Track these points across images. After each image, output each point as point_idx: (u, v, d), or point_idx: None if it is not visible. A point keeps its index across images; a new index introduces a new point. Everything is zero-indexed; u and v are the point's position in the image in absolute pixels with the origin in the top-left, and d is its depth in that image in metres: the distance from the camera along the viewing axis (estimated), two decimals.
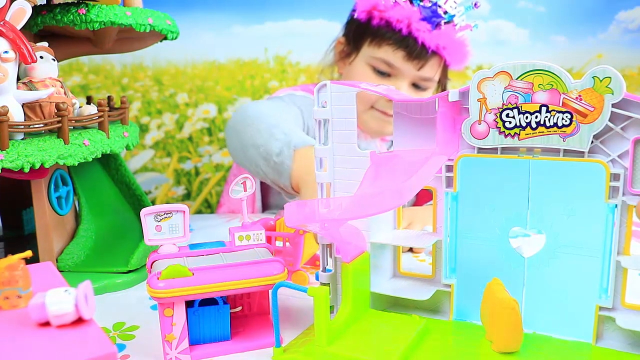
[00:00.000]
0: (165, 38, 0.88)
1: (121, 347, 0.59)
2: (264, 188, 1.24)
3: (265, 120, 0.99)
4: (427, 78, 1.08)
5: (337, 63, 1.19)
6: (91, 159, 0.73)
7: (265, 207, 1.27)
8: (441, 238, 0.61)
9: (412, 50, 1.04)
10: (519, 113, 0.54)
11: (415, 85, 1.10)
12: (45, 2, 0.81)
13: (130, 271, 0.77)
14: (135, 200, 0.90)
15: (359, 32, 1.10)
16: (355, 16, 1.10)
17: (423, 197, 1.13)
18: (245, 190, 0.63)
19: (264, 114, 1.01)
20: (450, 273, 0.62)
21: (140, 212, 0.57)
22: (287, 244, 0.74)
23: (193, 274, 0.55)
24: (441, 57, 1.08)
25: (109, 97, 0.87)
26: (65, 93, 0.73)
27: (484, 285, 0.56)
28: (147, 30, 0.81)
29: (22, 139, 0.67)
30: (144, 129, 1.65)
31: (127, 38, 0.91)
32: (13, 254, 0.45)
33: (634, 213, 0.53)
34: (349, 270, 0.58)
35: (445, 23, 1.04)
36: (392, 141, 0.63)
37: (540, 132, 0.53)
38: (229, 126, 1.07)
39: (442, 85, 1.16)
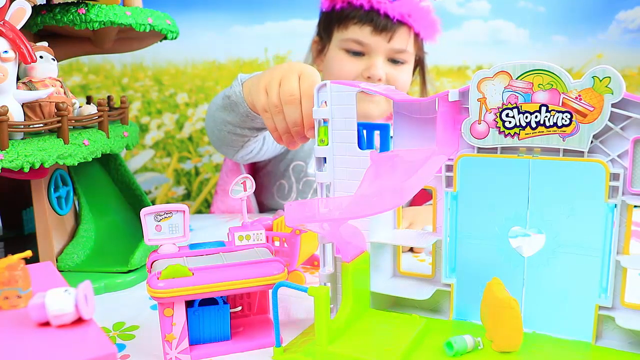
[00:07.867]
0: (165, 38, 0.88)
1: (121, 347, 0.59)
2: (258, 190, 1.25)
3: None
4: (400, 50, 1.09)
5: (315, 62, 1.20)
6: (91, 159, 0.73)
7: (261, 209, 1.27)
8: (441, 238, 0.61)
9: (378, 23, 1.06)
10: (519, 113, 0.54)
11: (393, 61, 1.10)
12: (45, 2, 0.81)
13: (130, 271, 0.77)
14: (135, 200, 0.90)
15: (327, 22, 1.13)
16: (322, 10, 1.14)
17: (421, 196, 1.13)
18: (245, 190, 0.63)
19: None
20: (450, 273, 0.62)
21: (140, 212, 0.57)
22: (285, 244, 0.74)
23: (193, 274, 0.55)
24: (409, 27, 1.08)
25: (108, 97, 0.87)
26: (65, 93, 0.73)
27: (484, 285, 0.56)
28: (147, 30, 0.81)
29: (21, 139, 0.67)
30: (144, 129, 1.65)
31: (127, 38, 0.91)
32: (13, 254, 0.45)
33: (633, 213, 0.53)
34: (349, 270, 0.58)
35: None
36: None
37: (540, 131, 0.53)
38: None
39: (420, 61, 1.17)
